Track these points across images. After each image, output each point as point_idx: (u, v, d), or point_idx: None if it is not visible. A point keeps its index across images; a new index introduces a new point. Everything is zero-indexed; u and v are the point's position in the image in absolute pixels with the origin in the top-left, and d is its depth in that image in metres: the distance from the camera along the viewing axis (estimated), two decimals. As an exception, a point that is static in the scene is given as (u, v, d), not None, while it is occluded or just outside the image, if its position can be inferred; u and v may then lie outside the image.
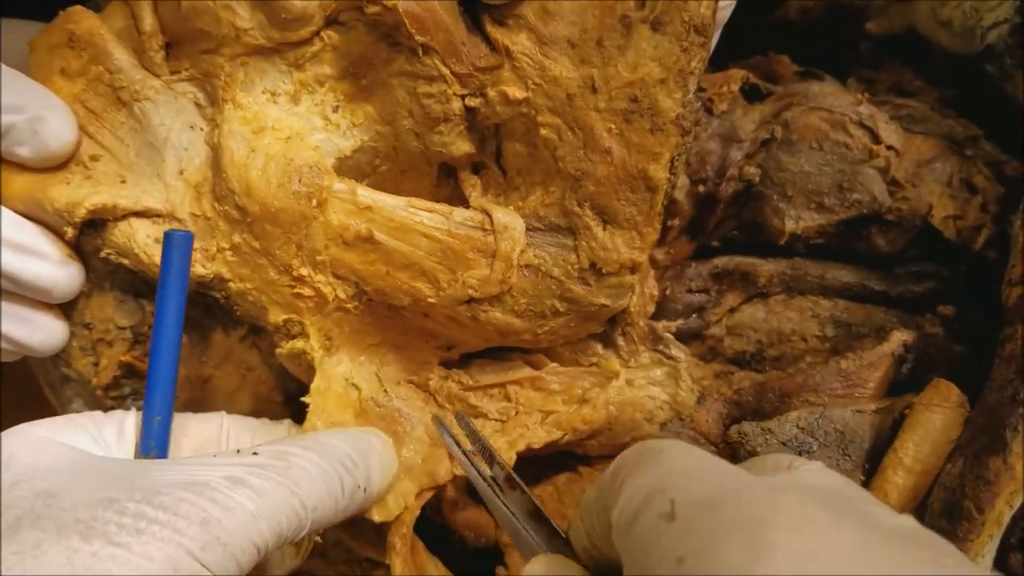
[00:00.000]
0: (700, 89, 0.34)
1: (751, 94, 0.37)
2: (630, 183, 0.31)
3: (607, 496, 0.24)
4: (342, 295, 0.33)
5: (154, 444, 0.30)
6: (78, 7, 0.35)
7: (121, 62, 0.34)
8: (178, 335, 0.30)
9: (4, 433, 0.29)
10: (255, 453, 0.29)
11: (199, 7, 0.32)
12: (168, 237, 0.30)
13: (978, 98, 0.41)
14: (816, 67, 0.47)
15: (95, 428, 0.30)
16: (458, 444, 0.31)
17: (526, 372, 0.35)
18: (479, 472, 0.30)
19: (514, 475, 0.30)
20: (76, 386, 0.36)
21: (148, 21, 0.34)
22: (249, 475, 0.27)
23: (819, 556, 0.18)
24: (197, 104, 0.34)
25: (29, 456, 0.27)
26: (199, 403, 0.36)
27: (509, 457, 0.33)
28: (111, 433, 0.30)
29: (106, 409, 0.37)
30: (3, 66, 0.33)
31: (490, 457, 0.31)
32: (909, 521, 0.22)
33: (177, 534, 0.24)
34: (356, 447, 0.31)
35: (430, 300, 0.32)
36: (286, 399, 0.36)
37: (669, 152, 0.31)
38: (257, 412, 0.35)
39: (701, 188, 0.35)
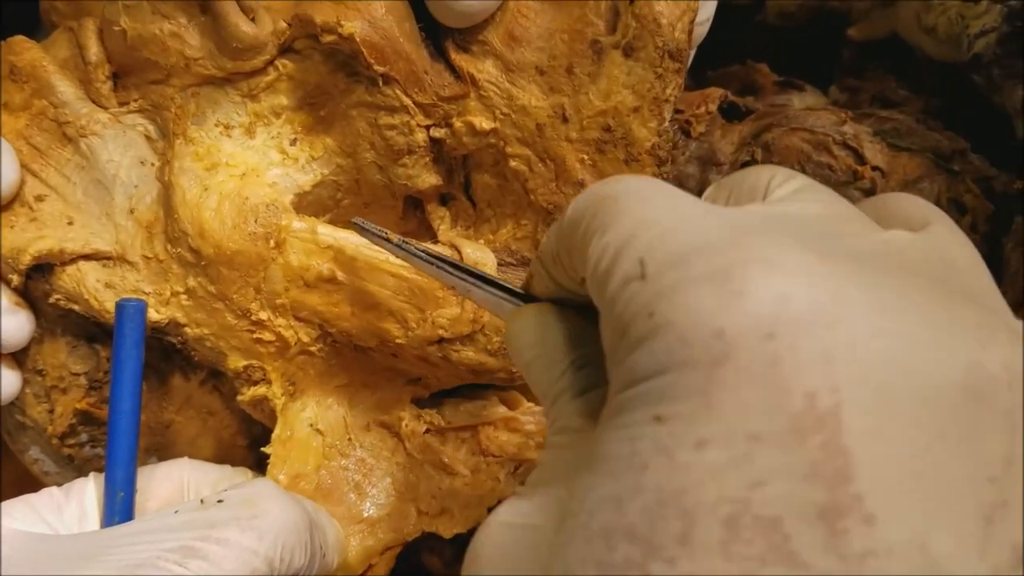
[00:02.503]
0: (677, 111, 0.33)
1: (730, 112, 0.36)
2: (605, 216, 0.29)
3: (570, 249, 0.23)
4: (305, 338, 0.31)
5: (118, 519, 0.29)
6: (19, 37, 0.33)
7: (66, 95, 0.32)
8: (137, 406, 0.29)
9: None
10: (220, 501, 0.28)
11: (146, 35, 0.31)
12: (120, 308, 0.29)
13: (965, 108, 0.39)
14: (797, 73, 0.46)
15: (55, 508, 0.29)
16: (386, 235, 0.28)
17: (500, 412, 0.33)
18: (416, 252, 0.27)
19: (441, 254, 0.28)
20: (32, 434, 0.35)
21: (93, 51, 0.32)
22: (204, 541, 0.26)
23: (791, 299, 0.17)
24: (147, 137, 0.32)
25: None
26: (160, 448, 0.34)
27: (477, 516, 0.32)
28: (73, 512, 0.29)
29: (64, 457, 0.35)
30: None
31: (413, 247, 0.28)
32: (901, 239, 0.21)
33: None
34: (319, 517, 0.30)
35: (399, 341, 0.31)
36: (251, 443, 0.35)
37: (645, 183, 0.29)
38: (221, 457, 0.34)
39: (680, 214, 0.33)
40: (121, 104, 0.32)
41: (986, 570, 0.17)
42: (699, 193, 0.32)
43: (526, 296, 0.26)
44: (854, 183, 0.33)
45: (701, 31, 0.33)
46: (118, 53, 0.32)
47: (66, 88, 0.32)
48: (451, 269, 0.27)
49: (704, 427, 0.17)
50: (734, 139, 0.34)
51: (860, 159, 0.33)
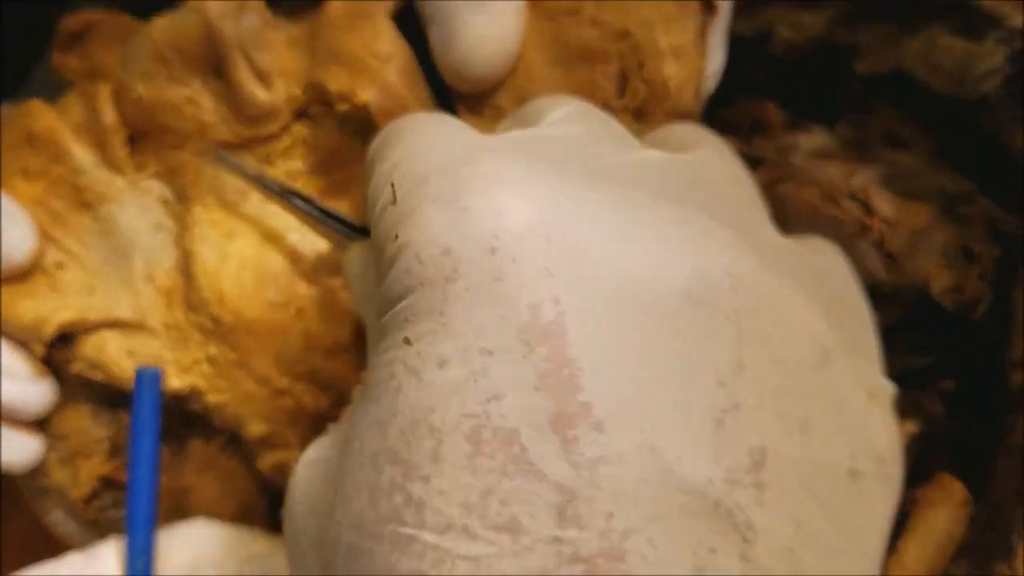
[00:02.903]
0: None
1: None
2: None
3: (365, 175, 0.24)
4: (325, 403, 0.31)
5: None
6: (36, 102, 0.33)
7: (83, 162, 0.32)
8: (155, 472, 0.30)
9: None
10: None
11: (161, 101, 0.31)
12: (138, 376, 0.29)
13: (972, 145, 0.40)
14: (805, 105, 0.46)
15: None
16: (240, 168, 0.30)
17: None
18: (269, 184, 0.30)
19: (293, 187, 0.30)
20: (55, 497, 0.35)
21: (109, 116, 0.32)
22: None
23: (511, 212, 0.18)
24: (164, 202, 0.33)
25: None
26: (180, 511, 0.34)
27: None
28: None
29: (88, 521, 0.36)
30: None
31: (265, 181, 0.30)
32: (653, 159, 0.22)
33: None
34: None
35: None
36: (271, 504, 0.35)
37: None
38: (239, 519, 0.34)
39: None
40: (138, 169, 0.33)
41: (721, 473, 0.18)
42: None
43: (363, 231, 0.27)
44: (863, 235, 0.33)
45: (710, 85, 0.33)
46: (134, 117, 0.32)
47: (83, 155, 0.32)
48: (300, 202, 0.29)
49: (443, 345, 0.18)
50: (745, 190, 0.34)
51: (868, 210, 0.33)
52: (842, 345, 0.20)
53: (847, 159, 0.36)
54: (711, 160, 0.23)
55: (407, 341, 0.18)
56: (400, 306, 0.19)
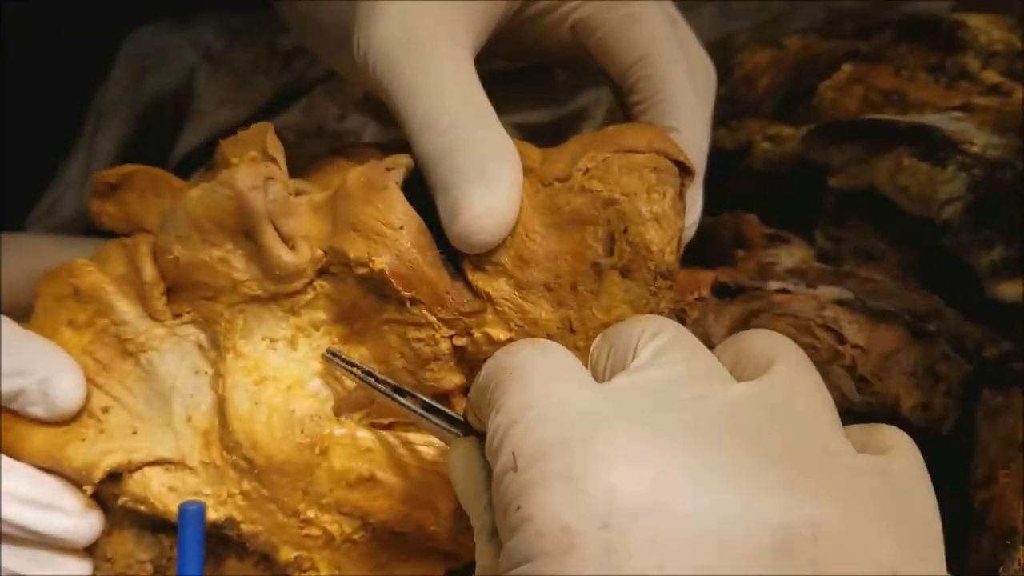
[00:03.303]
0: (674, 301, 0.36)
1: (720, 291, 0.39)
2: (613, 411, 0.33)
3: (480, 407, 0.28)
4: (348, 530, 0.34)
5: None
6: (81, 261, 0.37)
7: (126, 315, 0.36)
8: None
9: None
10: None
11: (196, 262, 0.35)
12: (182, 511, 0.32)
13: (939, 263, 0.43)
14: (783, 215, 0.49)
15: None
16: (352, 366, 0.33)
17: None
18: (376, 383, 0.33)
19: (400, 385, 0.33)
20: (100, 611, 0.38)
21: (148, 271, 0.36)
22: None
23: (621, 491, 0.21)
24: (200, 346, 0.36)
25: None
26: (218, 622, 0.38)
27: None
28: None
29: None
30: (12, 326, 0.35)
31: (375, 378, 0.33)
32: (739, 395, 0.25)
33: None
34: None
35: (432, 529, 0.34)
36: (302, 613, 0.38)
37: (647, 382, 0.33)
38: (271, 628, 0.37)
39: (681, 392, 0.37)
40: (175, 316, 0.36)
41: None
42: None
43: (467, 425, 0.30)
44: (836, 361, 0.36)
45: (689, 234, 0.37)
46: (171, 273, 0.35)
47: (126, 308, 0.36)
48: (402, 399, 0.32)
49: None
50: (725, 322, 0.37)
51: (840, 339, 0.36)
52: (909, 559, 0.23)
53: (818, 287, 0.39)
54: (785, 382, 0.26)
55: None
56: (520, 570, 0.22)
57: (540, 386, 0.25)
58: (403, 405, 0.32)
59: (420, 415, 0.32)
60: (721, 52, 0.52)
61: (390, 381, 0.33)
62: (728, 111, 0.56)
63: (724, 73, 0.54)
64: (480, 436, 0.29)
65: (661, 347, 0.27)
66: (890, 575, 0.23)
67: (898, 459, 0.26)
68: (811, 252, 0.46)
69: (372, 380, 0.33)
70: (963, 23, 0.50)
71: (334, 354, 0.34)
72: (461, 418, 0.31)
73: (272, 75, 0.76)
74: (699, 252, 0.48)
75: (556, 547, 0.21)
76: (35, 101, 0.69)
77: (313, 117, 0.76)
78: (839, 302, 0.39)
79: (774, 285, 0.40)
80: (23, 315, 0.38)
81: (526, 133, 0.66)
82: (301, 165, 0.39)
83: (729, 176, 0.53)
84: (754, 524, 0.22)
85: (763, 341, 0.29)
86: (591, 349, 0.30)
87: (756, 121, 0.53)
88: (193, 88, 0.75)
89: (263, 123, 0.35)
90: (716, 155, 0.41)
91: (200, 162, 0.70)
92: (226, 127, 0.73)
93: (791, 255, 0.45)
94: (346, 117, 0.73)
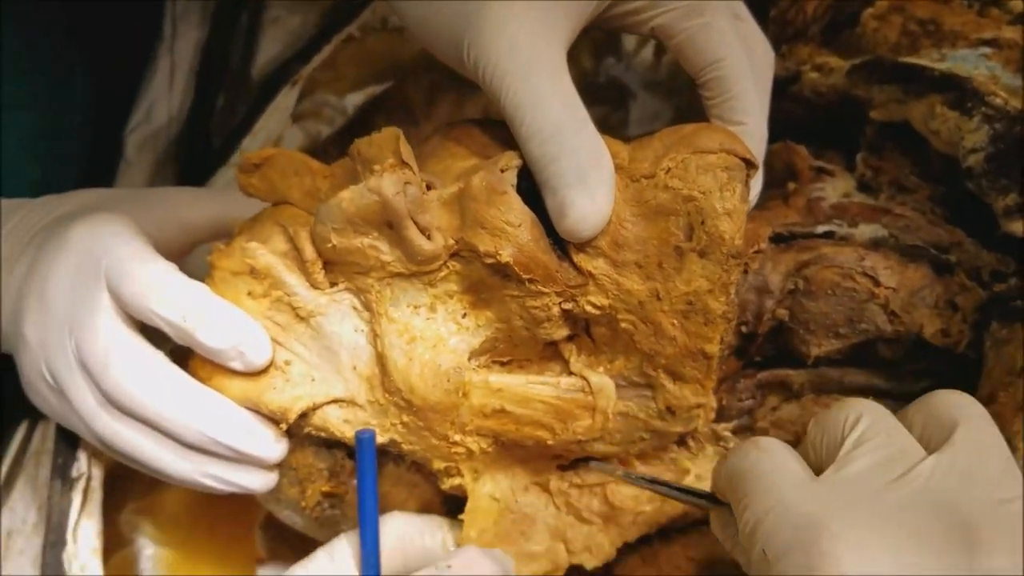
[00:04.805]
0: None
1: (776, 238, 0.47)
2: (692, 357, 0.42)
3: (723, 494, 0.38)
4: (484, 445, 0.45)
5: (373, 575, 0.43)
6: (254, 244, 0.45)
7: (296, 287, 0.44)
8: (375, 502, 0.43)
9: None
10: (449, 566, 0.42)
11: (350, 247, 0.43)
12: (358, 438, 0.42)
13: (963, 199, 0.49)
14: (829, 140, 0.56)
15: (327, 572, 0.44)
16: (639, 477, 0.45)
17: (620, 472, 0.47)
18: (634, 479, 0.45)
19: (655, 476, 0.45)
20: (286, 504, 0.49)
21: (309, 251, 0.44)
22: None
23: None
24: (355, 308, 0.45)
25: None
26: (382, 509, 0.49)
27: (609, 553, 0.46)
28: (340, 572, 0.44)
29: (312, 519, 0.50)
30: (215, 295, 0.44)
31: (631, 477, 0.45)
32: (926, 471, 0.33)
33: None
34: (505, 561, 0.44)
35: (549, 443, 0.44)
36: (443, 500, 0.49)
37: (718, 335, 0.41)
38: (422, 511, 0.48)
39: (744, 328, 0.45)
40: (332, 285, 0.45)
41: None
42: (758, 316, 0.44)
43: (714, 498, 0.40)
44: (871, 300, 0.44)
45: (753, 202, 0.44)
46: (326, 253, 0.44)
47: (295, 281, 0.44)
48: (663, 487, 0.43)
49: None
50: (781, 270, 0.45)
51: (876, 283, 0.44)
52: None
53: (858, 225, 0.47)
54: (969, 448, 0.33)
55: None
56: None
57: (767, 493, 0.34)
58: (662, 491, 0.43)
59: (679, 497, 0.43)
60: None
61: (650, 476, 0.45)
62: (778, 33, 0.61)
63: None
64: (726, 505, 0.38)
65: (861, 436, 0.35)
66: None
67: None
68: (852, 183, 0.52)
69: (632, 479, 0.45)
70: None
71: (627, 475, 0.45)
72: (709, 493, 0.41)
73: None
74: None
75: None
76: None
77: (377, 11, 0.80)
78: (876, 243, 0.46)
79: (820, 229, 0.47)
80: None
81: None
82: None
83: (781, 101, 0.59)
84: None
85: (945, 403, 0.36)
86: (808, 430, 0.38)
87: (805, 48, 0.58)
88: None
89: (393, 129, 0.42)
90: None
91: (283, 74, 0.76)
92: (299, 34, 0.78)
93: (835, 188, 0.51)
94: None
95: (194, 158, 0.77)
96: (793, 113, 0.58)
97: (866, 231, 0.48)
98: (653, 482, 0.44)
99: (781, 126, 0.56)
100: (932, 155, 0.51)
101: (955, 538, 0.30)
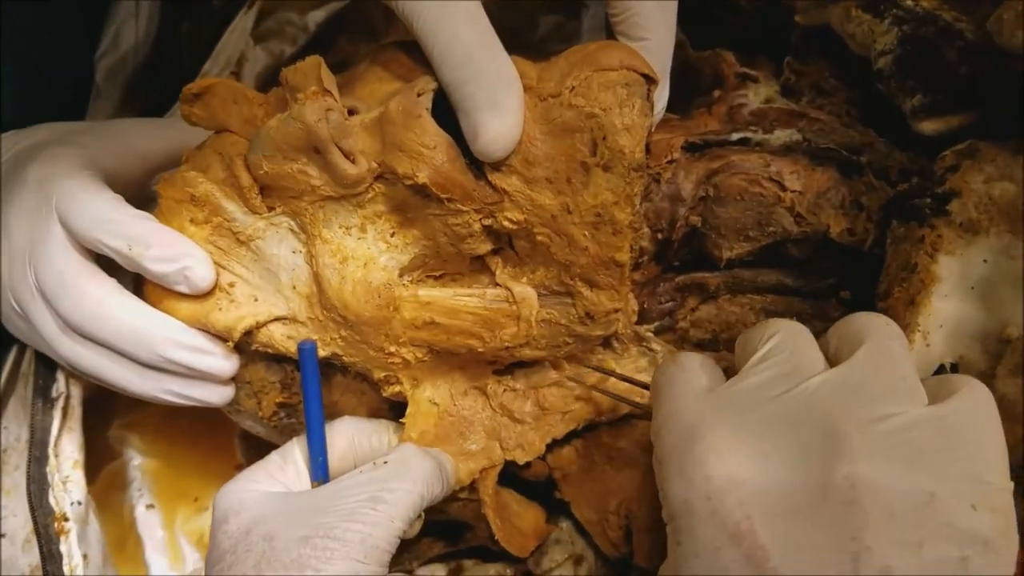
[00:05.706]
0: (647, 165, 0.46)
1: (690, 147, 0.49)
2: (604, 265, 0.44)
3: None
4: (419, 355, 0.48)
5: (321, 475, 0.47)
6: (193, 173, 0.47)
7: (234, 213, 0.47)
8: (320, 406, 0.46)
9: (227, 489, 0.45)
10: (385, 462, 0.45)
11: (281, 172, 0.45)
12: (300, 349, 0.45)
13: (876, 100, 0.51)
14: (757, 46, 0.57)
15: (280, 471, 0.47)
16: (612, 372, 0.50)
17: (551, 376, 0.50)
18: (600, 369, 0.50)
19: (607, 368, 0.50)
20: (246, 415, 0.53)
21: (245, 178, 0.46)
22: (383, 491, 0.44)
23: (715, 477, 0.34)
24: (292, 231, 0.47)
25: (253, 506, 0.44)
26: (331, 416, 0.52)
27: (539, 448, 0.50)
28: (291, 472, 0.47)
29: (271, 427, 0.54)
30: (158, 224, 0.47)
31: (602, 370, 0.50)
32: (819, 381, 0.35)
33: (348, 554, 0.39)
34: (441, 457, 0.48)
35: (479, 350, 0.47)
36: (390, 407, 0.52)
37: (627, 243, 0.44)
38: (372, 416, 0.52)
39: (660, 235, 0.48)
40: (269, 209, 0.47)
41: None
42: (672, 223, 0.46)
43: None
44: (778, 204, 0.47)
45: (659, 116, 0.46)
46: (261, 178, 0.46)
47: (233, 207, 0.47)
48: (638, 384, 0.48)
49: (690, 549, 0.34)
50: (692, 179, 0.47)
51: (782, 187, 0.46)
52: (945, 486, 0.31)
53: (774, 131, 0.48)
54: (868, 364, 0.35)
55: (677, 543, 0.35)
56: (672, 525, 0.36)
57: (669, 403, 0.37)
58: (612, 374, 0.48)
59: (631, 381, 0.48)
60: None
61: (605, 368, 0.49)
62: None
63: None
64: None
65: (767, 352, 0.37)
66: (927, 498, 0.31)
67: (954, 403, 0.33)
68: (776, 88, 0.54)
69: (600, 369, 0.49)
70: None
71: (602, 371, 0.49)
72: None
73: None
74: (688, 83, 0.57)
75: (683, 511, 0.34)
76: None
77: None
78: (787, 147, 0.48)
79: (735, 136, 0.49)
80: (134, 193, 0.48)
81: None
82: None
83: (715, 10, 0.60)
84: (803, 482, 0.32)
85: (858, 323, 0.38)
86: (735, 347, 0.40)
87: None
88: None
89: (316, 57, 0.44)
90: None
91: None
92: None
93: (758, 94, 0.53)
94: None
95: (162, 83, 0.79)
96: (726, 21, 0.59)
97: (781, 136, 0.49)
98: (626, 379, 0.49)
99: (715, 35, 0.58)
100: (850, 58, 0.52)
101: (822, 447, 0.32)
